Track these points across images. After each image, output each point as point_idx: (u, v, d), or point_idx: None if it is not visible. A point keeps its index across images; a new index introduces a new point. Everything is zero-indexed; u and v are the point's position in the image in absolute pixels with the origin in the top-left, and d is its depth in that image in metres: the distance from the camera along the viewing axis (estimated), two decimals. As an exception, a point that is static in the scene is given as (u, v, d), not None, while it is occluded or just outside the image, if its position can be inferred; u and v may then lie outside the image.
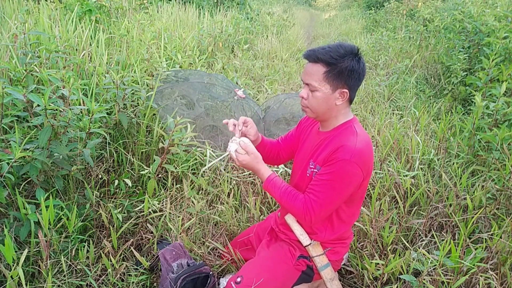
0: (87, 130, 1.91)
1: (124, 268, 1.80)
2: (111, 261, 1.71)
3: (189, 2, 6.98)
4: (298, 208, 1.39)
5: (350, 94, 1.36)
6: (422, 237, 2.06)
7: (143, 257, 1.90)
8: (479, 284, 1.64)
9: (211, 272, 1.69)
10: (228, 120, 1.51)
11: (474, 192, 2.22)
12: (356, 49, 1.34)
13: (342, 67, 1.31)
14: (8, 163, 1.55)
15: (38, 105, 1.69)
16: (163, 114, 2.57)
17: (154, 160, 2.15)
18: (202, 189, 2.33)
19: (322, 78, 1.32)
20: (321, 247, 1.52)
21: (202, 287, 1.65)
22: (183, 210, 2.11)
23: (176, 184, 2.32)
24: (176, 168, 2.25)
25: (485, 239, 1.90)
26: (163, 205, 2.09)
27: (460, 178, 2.35)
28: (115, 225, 1.92)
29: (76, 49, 2.91)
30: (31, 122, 1.78)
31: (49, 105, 1.68)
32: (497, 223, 1.96)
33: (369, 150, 1.36)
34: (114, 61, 2.96)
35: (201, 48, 4.47)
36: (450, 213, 2.11)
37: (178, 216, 2.03)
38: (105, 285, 1.73)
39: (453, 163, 2.63)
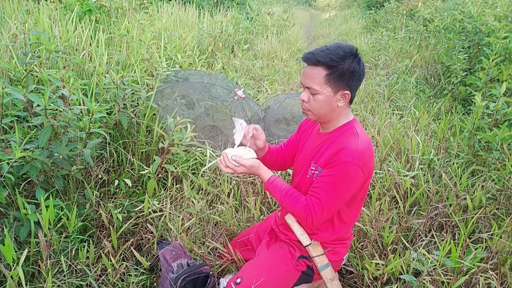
0: (87, 130, 1.91)
1: (124, 268, 1.80)
2: (111, 261, 1.71)
3: (189, 2, 6.97)
4: (299, 210, 1.38)
5: (351, 95, 1.36)
6: (422, 237, 2.06)
7: (143, 257, 1.90)
8: (479, 284, 1.64)
9: (211, 272, 1.69)
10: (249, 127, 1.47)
11: (474, 192, 2.22)
12: (354, 49, 1.33)
13: (344, 69, 1.30)
14: (8, 163, 1.55)
15: (38, 105, 1.69)
16: (163, 114, 2.57)
17: (154, 160, 2.15)
18: (202, 189, 2.33)
19: (324, 81, 1.31)
20: (321, 247, 1.52)
21: (202, 287, 1.65)
22: (183, 210, 2.11)
23: (176, 184, 2.32)
24: (176, 168, 2.25)
25: (485, 239, 1.90)
26: (163, 205, 2.09)
27: (460, 178, 2.35)
28: (115, 225, 1.92)
29: (76, 49, 2.91)
30: (31, 122, 1.78)
31: (49, 105, 1.68)
32: (497, 223, 1.96)
33: (370, 151, 1.36)
34: (114, 61, 2.96)
35: (201, 48, 4.47)
36: (450, 213, 2.10)
37: (178, 216, 2.03)
38: (105, 285, 1.73)
39: (453, 163, 2.62)
